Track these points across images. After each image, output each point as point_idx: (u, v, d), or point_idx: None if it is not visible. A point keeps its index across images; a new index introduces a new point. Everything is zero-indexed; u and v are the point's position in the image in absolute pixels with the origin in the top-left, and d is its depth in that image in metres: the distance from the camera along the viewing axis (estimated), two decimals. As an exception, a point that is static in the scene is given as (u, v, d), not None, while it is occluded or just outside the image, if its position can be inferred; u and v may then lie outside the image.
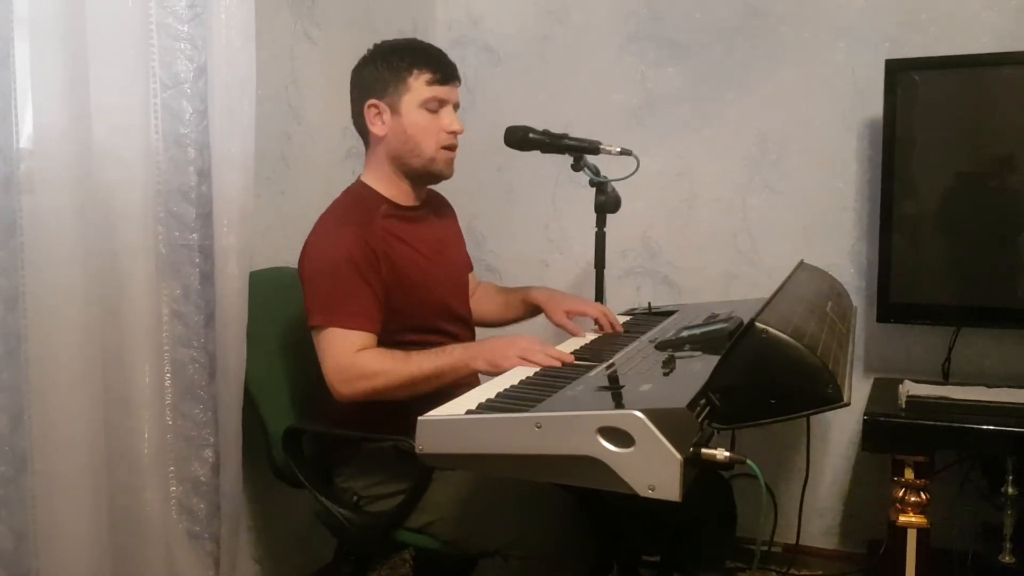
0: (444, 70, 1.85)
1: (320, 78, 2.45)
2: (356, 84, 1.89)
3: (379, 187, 1.90)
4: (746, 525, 2.03)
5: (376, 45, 1.90)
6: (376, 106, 1.85)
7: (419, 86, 1.83)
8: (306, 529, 2.30)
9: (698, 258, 2.79)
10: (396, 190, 1.90)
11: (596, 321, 2.03)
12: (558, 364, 1.63)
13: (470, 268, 2.19)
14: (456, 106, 1.90)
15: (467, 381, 1.87)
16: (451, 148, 1.88)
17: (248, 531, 2.20)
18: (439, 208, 2.07)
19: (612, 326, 2.01)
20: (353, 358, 1.69)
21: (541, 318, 2.11)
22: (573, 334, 1.95)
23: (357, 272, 1.74)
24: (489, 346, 1.71)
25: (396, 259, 1.81)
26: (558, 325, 2.02)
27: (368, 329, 1.73)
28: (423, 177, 1.91)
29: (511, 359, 1.65)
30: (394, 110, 1.84)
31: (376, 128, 1.86)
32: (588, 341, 1.90)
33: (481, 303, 2.17)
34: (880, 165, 2.43)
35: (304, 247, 1.82)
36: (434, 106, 1.84)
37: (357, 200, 1.88)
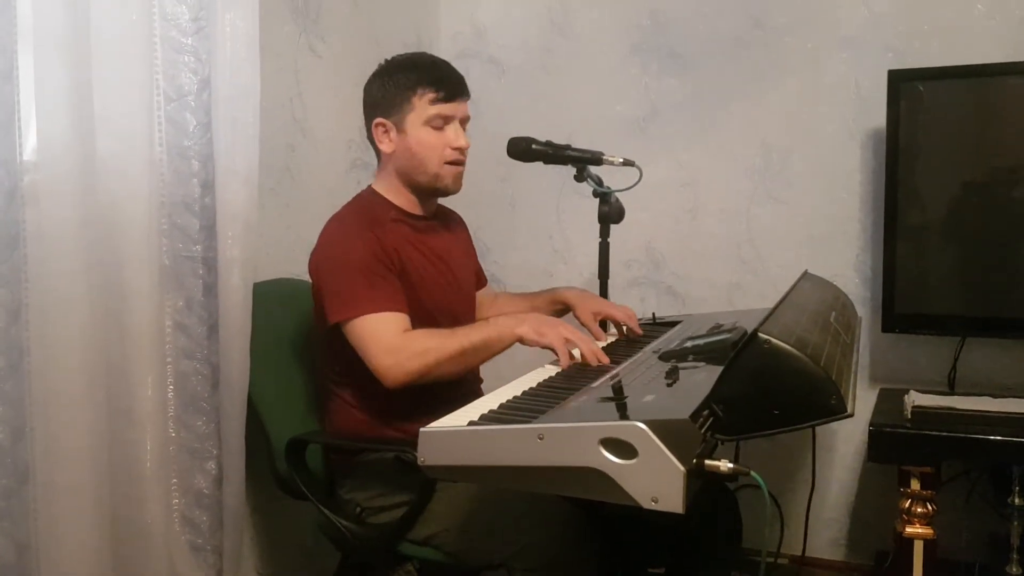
0: (448, 87, 1.85)
1: (325, 91, 2.46)
2: (366, 100, 1.90)
3: (388, 195, 1.92)
4: (752, 536, 2.02)
5: (386, 60, 1.90)
6: (383, 124, 1.86)
7: (423, 105, 1.83)
8: (309, 541, 2.29)
9: (702, 268, 2.79)
10: (405, 200, 1.92)
11: (616, 326, 2.07)
12: (595, 359, 1.67)
13: (482, 283, 2.20)
14: (465, 120, 1.90)
15: (472, 390, 1.87)
16: (457, 163, 1.88)
17: (251, 543, 2.19)
18: (449, 222, 2.08)
19: (632, 331, 2.04)
20: (403, 338, 1.69)
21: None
22: (596, 337, 1.98)
23: (378, 263, 1.75)
24: (535, 316, 1.74)
25: (405, 260, 1.83)
26: (584, 324, 2.04)
27: (401, 311, 1.73)
28: (430, 192, 1.92)
29: (556, 334, 1.68)
30: (399, 129, 1.85)
31: (384, 146, 1.88)
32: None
33: (504, 309, 2.15)
34: (884, 175, 2.43)
35: (316, 249, 1.83)
36: (439, 123, 1.84)
37: (368, 205, 1.90)
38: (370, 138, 1.92)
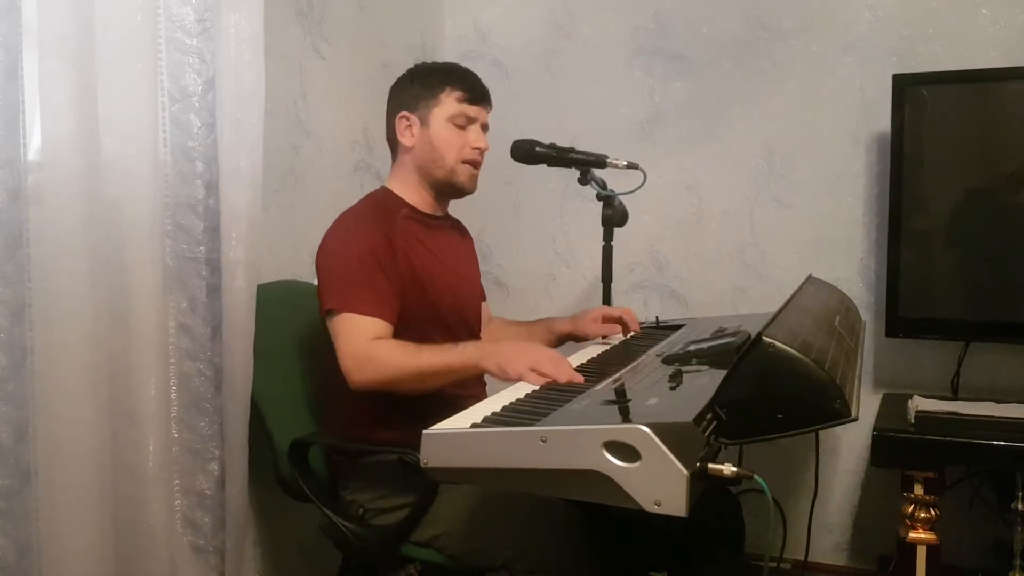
0: (476, 91, 1.92)
1: (329, 92, 2.46)
2: (392, 98, 1.96)
3: (402, 193, 1.94)
4: (755, 541, 2.02)
5: (417, 65, 1.97)
6: (407, 118, 1.90)
7: (450, 102, 1.89)
8: (311, 543, 2.29)
9: (706, 272, 2.78)
10: (419, 198, 1.94)
11: (620, 321, 2.08)
12: (566, 378, 1.59)
13: (483, 296, 2.20)
14: (485, 127, 1.95)
15: (475, 393, 1.87)
16: (474, 164, 1.92)
17: (253, 545, 2.18)
18: (458, 230, 2.11)
19: (632, 323, 2.09)
20: (368, 346, 1.69)
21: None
22: (614, 332, 2.06)
23: (376, 262, 1.76)
24: (502, 349, 1.69)
25: (414, 258, 1.84)
26: (598, 333, 2.09)
27: (383, 317, 1.74)
28: (446, 189, 1.94)
29: (520, 368, 1.61)
30: (423, 122, 1.89)
31: (405, 139, 1.91)
32: (595, 355, 1.89)
33: (498, 335, 2.16)
34: (888, 179, 2.43)
35: (323, 240, 1.84)
36: (462, 122, 1.89)
37: (380, 201, 1.92)
38: (390, 135, 1.95)
